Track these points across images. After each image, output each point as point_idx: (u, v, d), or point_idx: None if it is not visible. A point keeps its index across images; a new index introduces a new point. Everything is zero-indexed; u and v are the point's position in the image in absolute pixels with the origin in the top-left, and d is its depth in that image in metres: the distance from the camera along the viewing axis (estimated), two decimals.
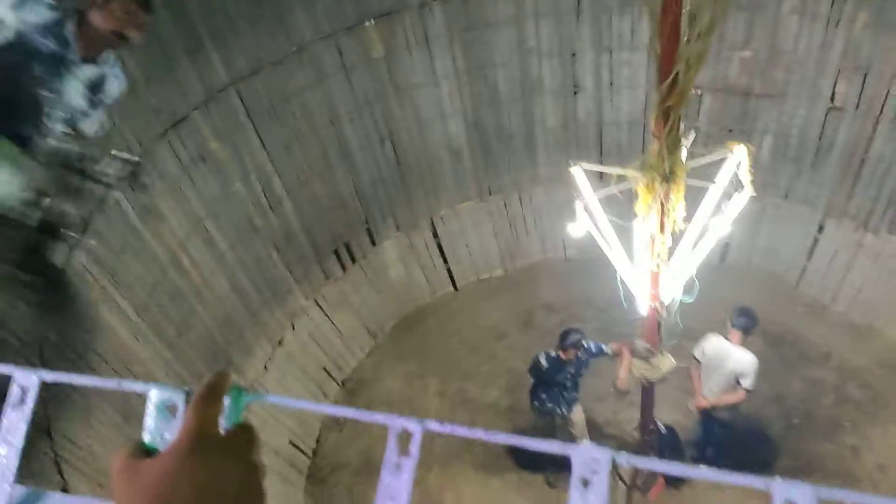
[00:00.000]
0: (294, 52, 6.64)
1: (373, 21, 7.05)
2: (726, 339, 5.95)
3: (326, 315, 7.92)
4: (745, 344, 5.90)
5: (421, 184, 8.37)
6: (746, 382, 5.85)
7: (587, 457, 0.86)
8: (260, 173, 6.77)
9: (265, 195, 6.90)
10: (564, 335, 6.16)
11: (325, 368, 7.97)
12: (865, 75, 6.91)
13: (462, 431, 0.87)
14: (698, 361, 6.10)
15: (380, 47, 7.24)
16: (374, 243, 8.29)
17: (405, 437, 0.90)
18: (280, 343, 7.30)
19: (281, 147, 6.90)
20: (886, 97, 6.87)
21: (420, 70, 7.62)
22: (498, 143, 8.46)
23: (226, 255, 6.49)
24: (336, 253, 7.95)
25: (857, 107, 7.10)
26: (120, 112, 4.94)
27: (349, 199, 7.83)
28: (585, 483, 0.84)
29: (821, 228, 7.98)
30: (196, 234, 6.13)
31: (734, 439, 6.51)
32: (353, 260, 8.13)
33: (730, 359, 5.87)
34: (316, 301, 7.78)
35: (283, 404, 1.02)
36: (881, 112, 6.97)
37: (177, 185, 5.88)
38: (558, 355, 6.21)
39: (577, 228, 4.80)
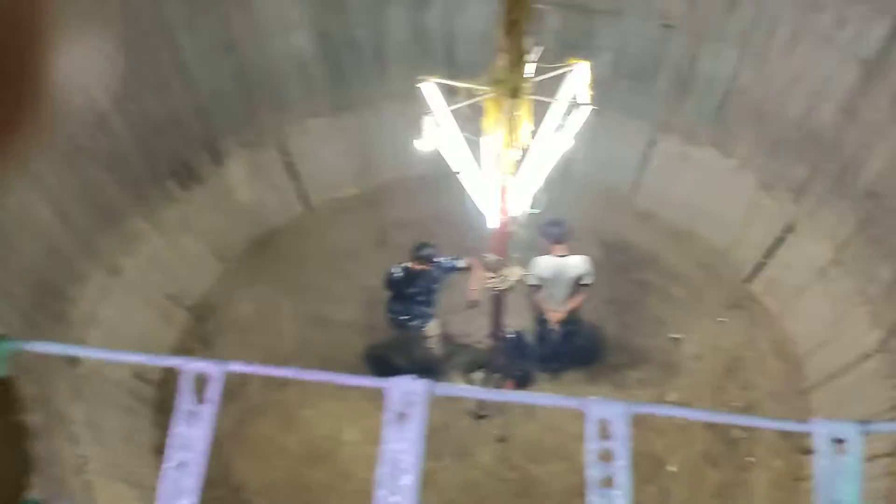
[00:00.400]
0: None
1: None
2: (550, 255, 6.27)
3: (168, 239, 7.49)
4: (569, 249, 6.28)
5: (267, 99, 7.97)
6: (588, 279, 6.30)
7: (403, 390, 0.86)
8: None
9: (91, 110, 6.28)
10: (417, 247, 6.24)
11: (169, 295, 7.60)
12: None
13: (269, 371, 0.84)
14: (538, 287, 6.39)
15: None
16: (217, 163, 7.85)
17: (203, 381, 0.85)
18: (117, 271, 6.84)
19: (103, 56, 6.25)
20: (712, 15, 7.27)
21: None
22: (348, 56, 8.17)
23: (46, 179, 5.90)
24: (176, 173, 7.45)
25: (687, 24, 7.48)
26: None
27: (187, 115, 7.31)
28: (402, 416, 0.84)
29: (652, 141, 8.49)
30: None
31: (576, 343, 7.04)
32: (195, 180, 7.67)
33: (567, 268, 6.25)
34: (156, 225, 7.32)
35: (50, 351, 0.93)
36: (706, 29, 7.38)
37: None
38: (411, 267, 6.29)
39: (424, 144, 4.78)
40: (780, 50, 6.96)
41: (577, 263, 6.29)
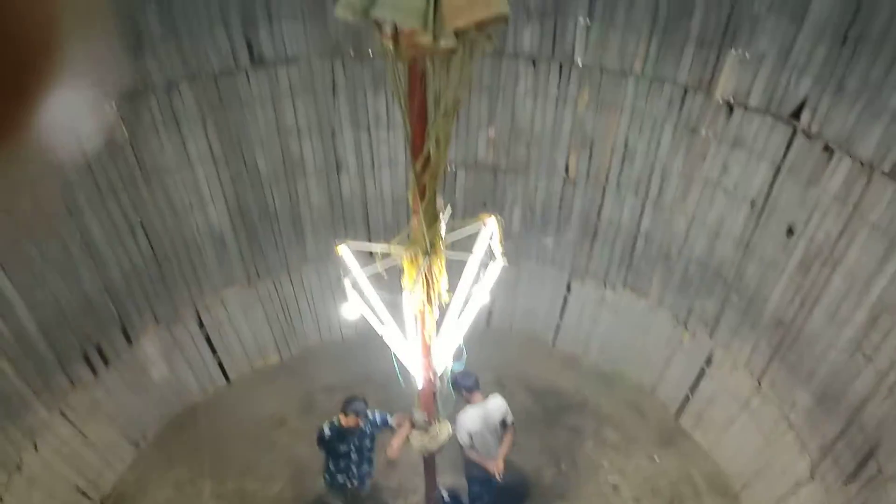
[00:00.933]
0: None
1: (113, 104, 6.60)
2: (471, 405, 6.21)
3: (76, 427, 6.99)
4: (483, 397, 6.24)
5: (181, 273, 7.85)
6: (510, 419, 6.21)
7: None
8: None
9: None
10: (346, 402, 6.05)
11: (78, 488, 6.98)
12: (591, 149, 7.84)
13: None
14: (471, 443, 6.25)
15: (123, 130, 6.79)
16: (129, 341, 7.54)
17: None
18: (18, 467, 6.28)
19: (8, 242, 6.09)
20: (609, 168, 7.83)
21: (171, 153, 7.26)
22: (263, 225, 8.26)
23: None
24: (85, 357, 7.10)
25: (587, 178, 8.00)
26: None
27: (97, 296, 7.08)
28: None
29: (569, 288, 8.76)
30: None
31: (512, 492, 6.82)
32: (106, 362, 7.31)
33: (491, 413, 6.17)
34: (62, 412, 6.85)
35: None
36: (606, 181, 7.91)
37: None
38: (341, 424, 6.06)
39: (349, 310, 4.76)
40: (674, 196, 7.48)
41: (497, 405, 6.24)
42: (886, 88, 5.41)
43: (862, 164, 5.72)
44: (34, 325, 6.46)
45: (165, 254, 7.62)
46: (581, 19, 7.18)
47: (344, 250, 4.74)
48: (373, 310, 4.82)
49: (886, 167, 5.53)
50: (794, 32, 5.98)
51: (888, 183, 5.54)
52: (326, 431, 6.14)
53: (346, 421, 6.03)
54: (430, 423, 5.47)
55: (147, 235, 7.39)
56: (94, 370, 7.20)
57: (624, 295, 8.41)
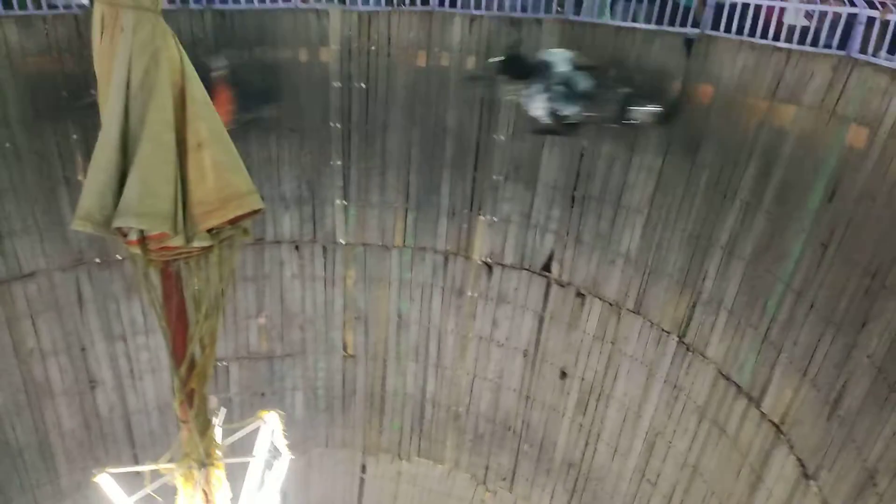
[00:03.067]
0: None
1: None
2: None
3: None
4: None
5: None
6: None
7: None
8: None
9: None
10: None
11: None
12: (366, 323, 7.87)
13: None
14: None
15: None
16: None
17: None
18: None
19: None
20: (387, 339, 7.88)
21: None
22: (3, 464, 6.98)
23: None
24: None
25: (367, 351, 7.96)
26: None
27: None
28: None
29: (363, 468, 8.40)
30: None
31: None
32: None
33: None
34: None
35: None
36: (386, 353, 7.93)
37: None
38: None
39: None
40: (453, 356, 7.67)
41: None
42: (615, 237, 6.18)
43: (610, 304, 6.36)
44: None
45: None
46: (338, 202, 7.43)
47: (104, 479, 4.10)
48: None
49: (630, 304, 6.19)
50: (531, 197, 6.70)
51: (635, 318, 6.18)
52: None
53: None
54: None
55: None
56: None
57: (420, 464, 8.22)
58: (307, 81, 6.91)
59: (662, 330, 6.05)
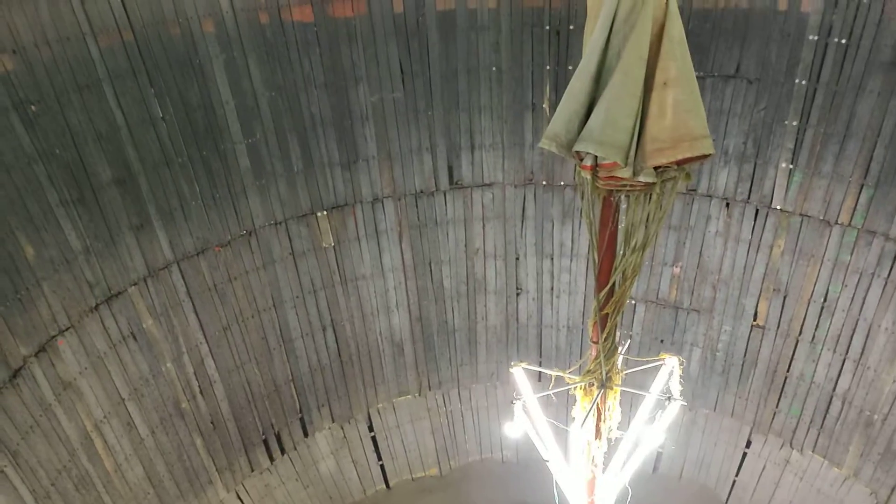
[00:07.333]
0: (243, 235, 6.80)
1: (325, 212, 7.35)
2: None
3: None
4: None
5: (360, 375, 8.27)
6: None
7: None
8: (193, 354, 6.61)
9: (196, 377, 6.69)
10: None
11: None
12: (784, 297, 7.40)
13: None
14: None
15: (330, 237, 7.48)
16: (306, 434, 7.97)
17: None
18: None
19: (219, 328, 6.82)
20: (804, 319, 7.31)
21: (368, 262, 7.85)
22: (440, 339, 8.54)
23: (145, 441, 6.13)
24: (265, 442, 7.59)
25: (778, 326, 7.51)
26: (50, 283, 4.89)
27: (285, 387, 7.64)
28: None
29: (749, 443, 8.07)
30: (115, 415, 5.82)
31: None
32: (283, 451, 7.76)
33: None
34: (238, 494, 7.29)
35: None
36: (800, 333, 7.37)
37: (101, 361, 5.67)
38: None
39: (514, 429, 4.73)
40: (882, 356, 6.79)
41: None
42: None
43: None
44: (227, 406, 7.05)
45: (349, 355, 8.10)
46: (783, 165, 7.00)
47: (518, 371, 4.77)
48: (539, 435, 4.75)
49: None
50: None
51: None
52: None
53: None
54: None
55: (336, 335, 7.93)
56: (271, 457, 7.65)
57: (813, 460, 7.58)
58: (780, 31, 6.54)
59: None
